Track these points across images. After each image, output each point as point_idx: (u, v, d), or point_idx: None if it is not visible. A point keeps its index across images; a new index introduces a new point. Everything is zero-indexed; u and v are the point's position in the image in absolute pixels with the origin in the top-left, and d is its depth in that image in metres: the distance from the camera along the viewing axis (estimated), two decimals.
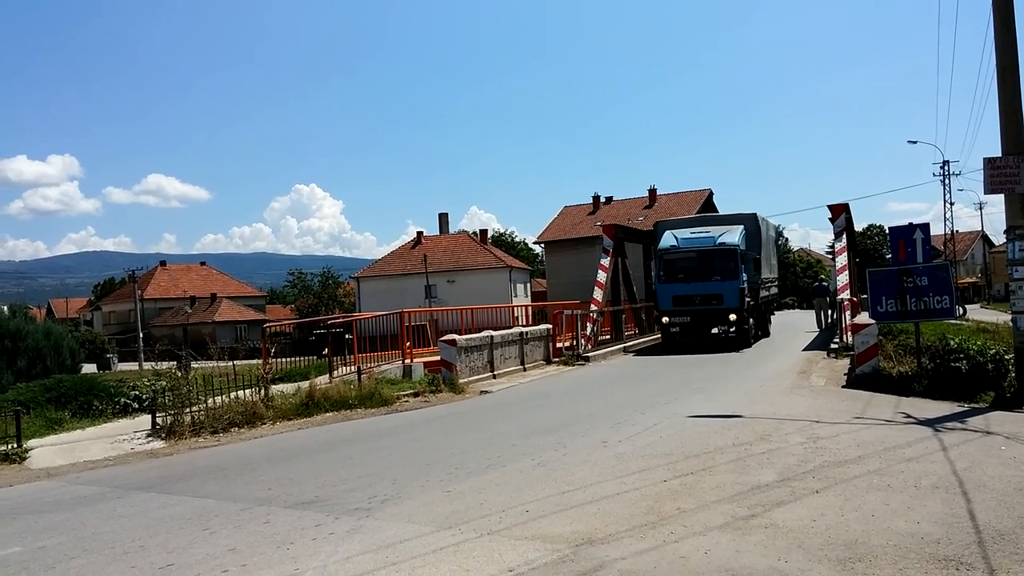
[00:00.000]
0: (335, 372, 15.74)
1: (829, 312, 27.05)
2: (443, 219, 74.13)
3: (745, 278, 21.78)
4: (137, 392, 14.02)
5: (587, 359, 20.74)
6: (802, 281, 76.37)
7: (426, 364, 16.92)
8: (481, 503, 6.49)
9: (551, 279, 59.31)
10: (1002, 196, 10.71)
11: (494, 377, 17.58)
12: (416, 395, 14.68)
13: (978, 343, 11.90)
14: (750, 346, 21.79)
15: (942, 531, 5.11)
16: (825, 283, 30.36)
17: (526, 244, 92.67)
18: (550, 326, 21.78)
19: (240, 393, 12.89)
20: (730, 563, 4.71)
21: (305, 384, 13.91)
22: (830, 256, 68.76)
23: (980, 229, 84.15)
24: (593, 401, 13.02)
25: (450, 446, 9.54)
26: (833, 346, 18.92)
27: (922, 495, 5.99)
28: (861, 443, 8.02)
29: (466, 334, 18.10)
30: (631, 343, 24.26)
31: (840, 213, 23.63)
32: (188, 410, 11.89)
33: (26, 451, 10.54)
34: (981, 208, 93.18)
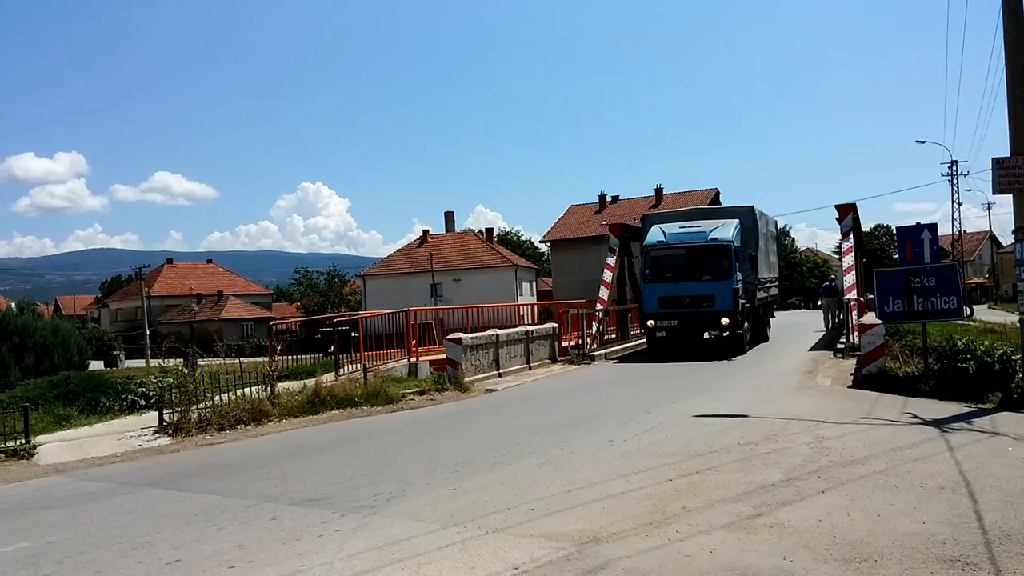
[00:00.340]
0: (341, 370, 15.77)
1: (837, 312, 26.90)
2: (449, 218, 74.16)
3: (739, 277, 19.74)
4: (144, 389, 14.08)
5: (592, 358, 20.75)
6: (809, 281, 76.25)
7: (432, 362, 16.94)
8: (487, 501, 6.50)
9: (557, 278, 59.28)
10: (1010, 196, 10.67)
11: (499, 376, 17.60)
12: (422, 393, 14.70)
13: (985, 344, 11.86)
14: (744, 352, 19.88)
15: (948, 532, 5.10)
16: (834, 283, 30.28)
17: (532, 243, 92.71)
18: (556, 325, 21.79)
19: (246, 391, 12.93)
20: (735, 562, 4.71)
21: (311, 382, 13.94)
22: (837, 256, 68.60)
23: (988, 229, 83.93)
24: (598, 400, 13.02)
25: (456, 444, 9.57)
26: (839, 346, 18.88)
27: (928, 495, 5.98)
28: (867, 443, 8.01)
29: (472, 333, 18.11)
30: (637, 342, 24.24)
31: (847, 213, 23.57)
32: (195, 407, 11.93)
33: (34, 447, 10.60)
34: (989, 208, 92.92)
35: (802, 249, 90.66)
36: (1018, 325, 11.01)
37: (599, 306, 23.22)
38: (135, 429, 11.90)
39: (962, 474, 6.59)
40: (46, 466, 9.90)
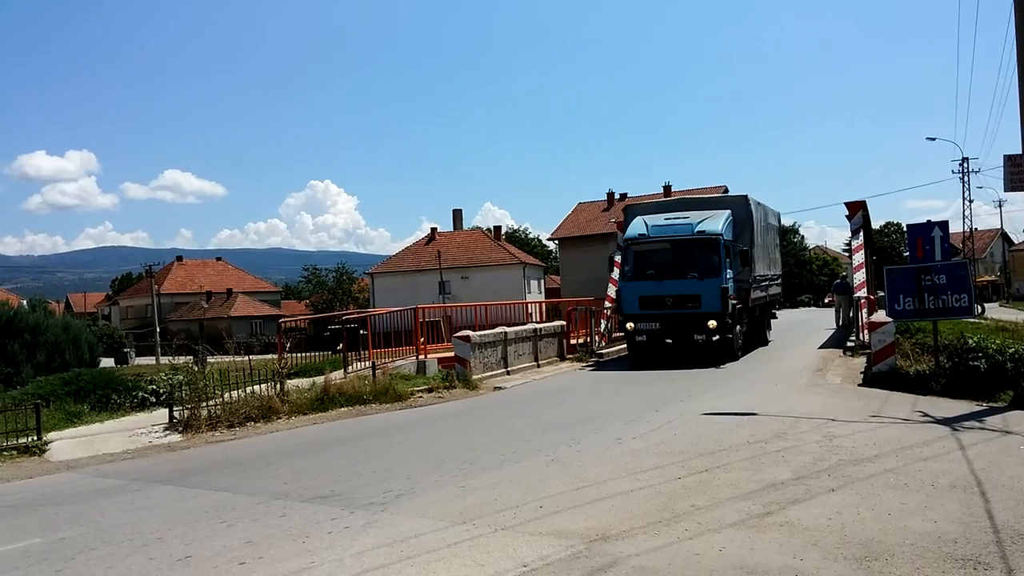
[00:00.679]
0: (350, 367, 15.81)
1: (848, 310, 26.74)
2: (457, 215, 74.21)
3: (730, 275, 17.88)
4: (155, 386, 14.14)
5: (601, 356, 20.73)
6: (818, 279, 76.01)
7: (440, 360, 16.96)
8: (495, 499, 6.51)
9: (565, 276, 59.27)
10: (1022, 194, 10.60)
11: (508, 373, 17.61)
12: (430, 391, 14.73)
13: (997, 342, 11.80)
14: (737, 359, 17.80)
15: (959, 531, 5.08)
16: (846, 280, 30.11)
17: (540, 241, 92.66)
18: (564, 323, 21.78)
19: (256, 388, 12.98)
20: (745, 560, 4.70)
21: (320, 379, 13.98)
22: (847, 254, 68.38)
23: (999, 227, 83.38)
24: (607, 398, 13.02)
25: (464, 442, 9.57)
26: (850, 344, 18.80)
27: (939, 494, 5.95)
28: (878, 442, 7.98)
29: (480, 330, 18.12)
30: None
31: (857, 210, 23.45)
32: (205, 404, 11.98)
33: (46, 444, 10.66)
34: (1001, 206, 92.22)
35: (811, 247, 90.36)
36: None
37: (607, 304, 23.18)
38: (146, 426, 11.96)
39: (973, 473, 6.56)
40: (58, 463, 9.95)
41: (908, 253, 12.77)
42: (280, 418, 12.33)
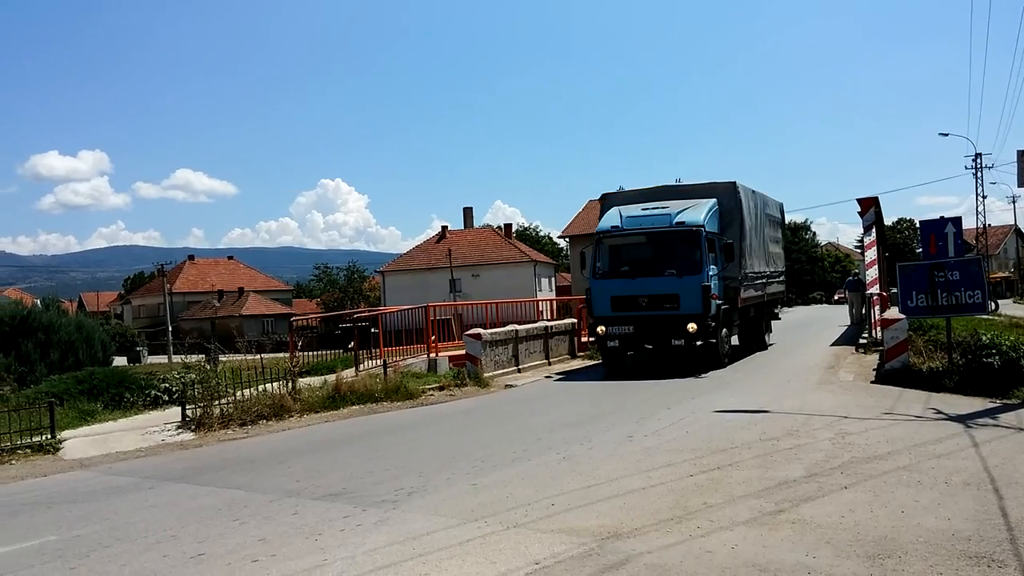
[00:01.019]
0: (361, 366, 15.84)
1: (860, 306, 26.62)
2: (467, 213, 74.23)
3: (714, 271, 15.85)
4: (167, 385, 14.21)
5: None
6: (830, 276, 75.70)
7: (451, 358, 16.98)
8: (507, 496, 6.51)
9: (575, 273, 59.23)
10: None
11: (519, 371, 17.61)
12: (441, 389, 14.74)
13: (1011, 338, 11.72)
14: (723, 365, 15.89)
15: (973, 528, 5.05)
16: (858, 277, 29.96)
17: (550, 238, 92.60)
18: (575, 320, 21.76)
19: (268, 386, 13.03)
20: (757, 558, 4.69)
21: (332, 377, 14.02)
22: (859, 250, 68.06)
23: (1013, 223, 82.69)
24: (618, 395, 12.99)
25: (475, 440, 9.59)
26: (862, 341, 18.72)
27: (953, 492, 5.92)
28: (890, 439, 7.94)
29: (491, 328, 18.13)
30: None
31: (869, 207, 23.33)
32: (217, 403, 12.04)
33: (60, 442, 10.73)
34: (1014, 202, 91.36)
35: (823, 244, 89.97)
36: None
37: None
38: (158, 424, 12.03)
39: (987, 470, 6.52)
40: (71, 461, 10.02)
41: (921, 249, 12.71)
42: (292, 416, 12.38)
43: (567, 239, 64.32)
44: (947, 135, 58.13)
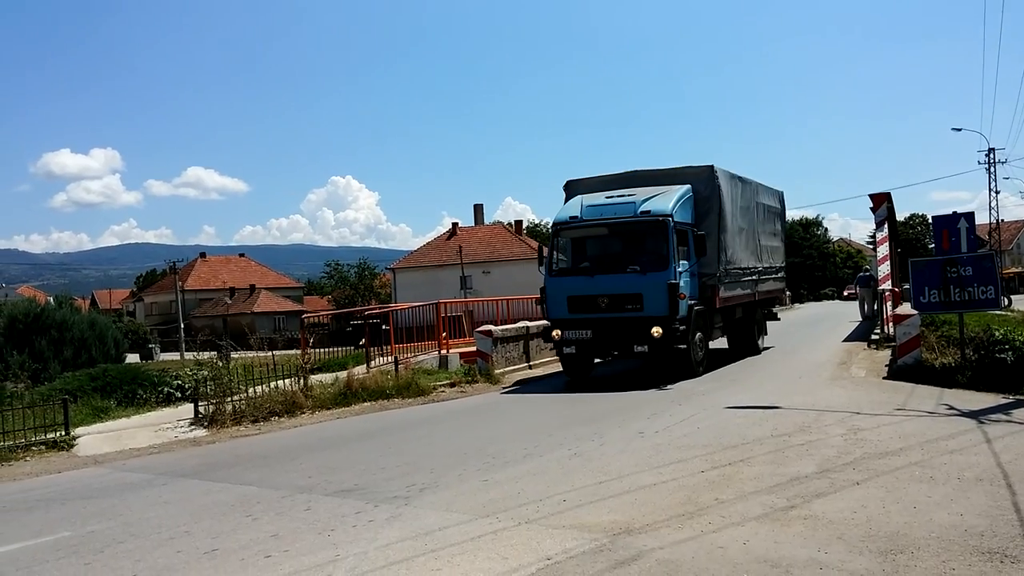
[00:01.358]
0: (372, 362, 15.89)
1: (872, 302, 26.49)
2: (478, 210, 74.23)
3: (685, 267, 14.05)
4: (180, 382, 14.30)
5: None
6: (842, 272, 75.38)
7: (462, 355, 17.00)
8: (518, 492, 6.52)
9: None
10: None
11: (530, 368, 17.62)
12: (452, 385, 14.77)
13: None
14: (698, 374, 14.09)
15: (986, 524, 5.03)
16: (869, 273, 29.83)
17: None
18: None
19: (280, 383, 13.08)
20: (769, 554, 4.69)
21: (343, 374, 14.07)
22: (871, 246, 67.70)
23: None
24: (629, 391, 12.98)
25: (486, 436, 9.60)
26: (874, 337, 18.63)
27: (965, 487, 5.89)
28: (903, 435, 7.91)
29: (502, 325, 18.14)
30: None
31: (882, 202, 23.20)
32: (229, 399, 12.10)
33: (74, 439, 10.81)
34: None
35: (835, 239, 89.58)
36: None
37: None
38: (171, 421, 12.10)
39: (1000, 466, 6.49)
40: (85, 457, 10.09)
41: (934, 245, 12.64)
42: (304, 413, 12.43)
43: None
44: (960, 130, 57.70)
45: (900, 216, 61.37)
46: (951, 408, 9.41)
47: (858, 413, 9.26)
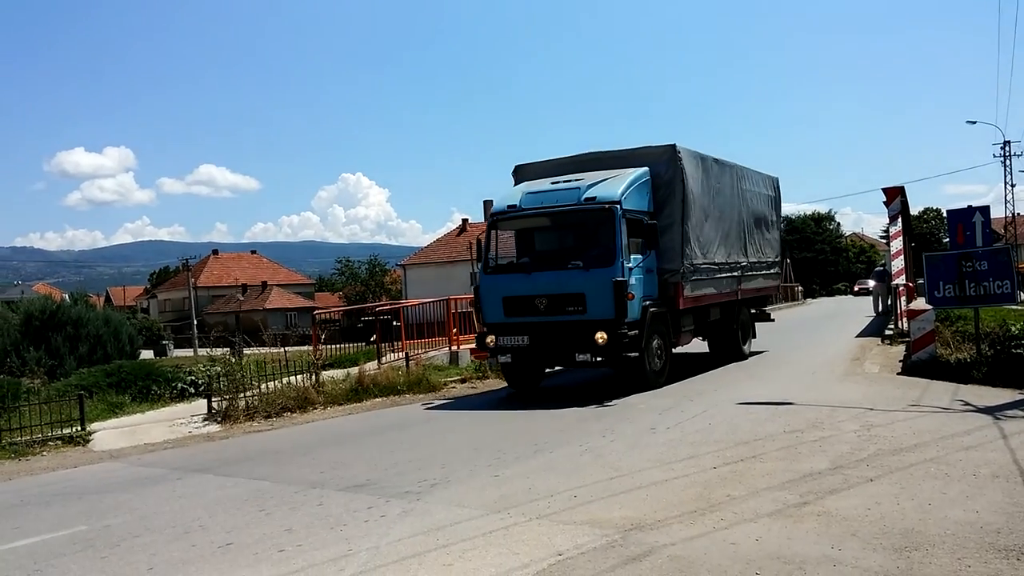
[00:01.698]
0: (383, 358, 15.91)
1: (886, 297, 26.34)
2: (488, 206, 74.07)
3: (637, 262, 12.11)
4: (193, 378, 14.37)
5: None
6: (855, 266, 74.98)
7: (473, 351, 17.00)
8: (529, 488, 6.53)
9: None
10: None
11: None
12: (463, 381, 14.79)
13: None
14: (657, 386, 12.19)
15: (1002, 521, 4.99)
16: (885, 268, 29.67)
17: None
18: None
19: (292, 379, 13.14)
20: (782, 550, 4.67)
21: (354, 370, 14.11)
22: (884, 240, 67.32)
23: None
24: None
25: (497, 431, 9.61)
26: (888, 332, 18.53)
27: (981, 484, 5.85)
28: (917, 431, 7.86)
29: None
30: None
31: (895, 196, 23.05)
32: (242, 395, 12.17)
33: (89, 434, 10.90)
34: None
35: (848, 234, 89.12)
36: None
37: None
38: (185, 416, 12.17)
39: (1016, 462, 6.43)
40: (101, 452, 10.18)
41: (948, 239, 12.54)
42: (316, 408, 12.48)
43: None
44: (975, 123, 57.36)
45: (914, 210, 61.01)
46: (966, 404, 9.34)
47: (872, 409, 9.21)
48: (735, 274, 15.49)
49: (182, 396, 14.08)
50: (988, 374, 11.09)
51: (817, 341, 19.66)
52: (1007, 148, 54.64)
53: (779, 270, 18.69)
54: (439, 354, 16.63)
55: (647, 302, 12.31)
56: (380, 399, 13.18)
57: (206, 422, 11.76)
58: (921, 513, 5.22)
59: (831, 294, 65.19)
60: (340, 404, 12.80)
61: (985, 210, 12.14)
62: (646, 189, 12.85)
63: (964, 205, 12.37)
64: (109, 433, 11.08)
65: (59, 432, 10.72)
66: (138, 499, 7.29)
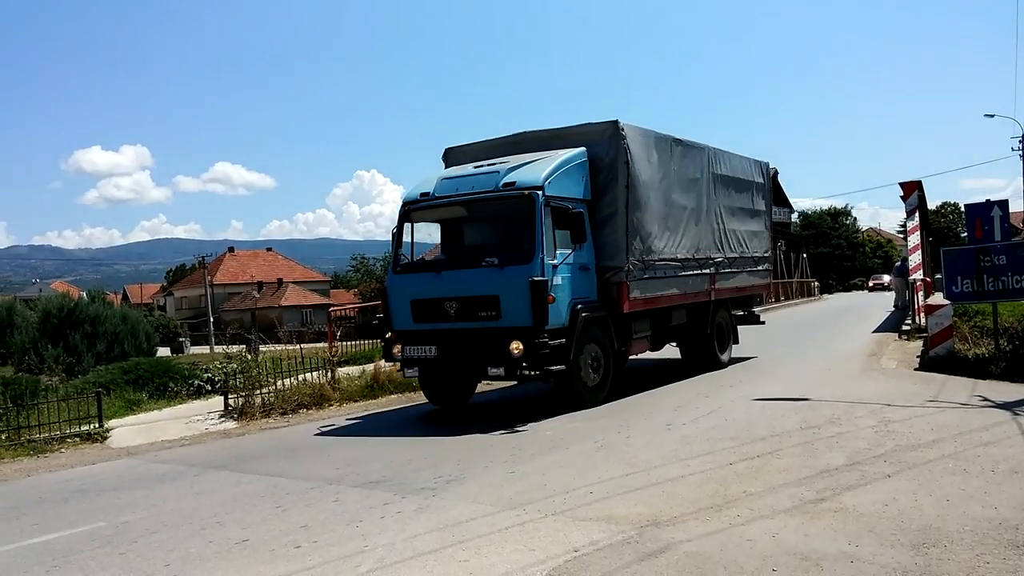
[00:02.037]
0: None
1: (905, 292, 26.15)
2: None
3: (564, 259, 10.27)
4: (210, 375, 14.44)
5: None
6: (872, 261, 74.45)
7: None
8: (544, 484, 6.53)
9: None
10: None
11: None
12: None
13: None
14: (592, 404, 10.53)
15: (1021, 516, 4.94)
16: (906, 263, 29.46)
17: None
18: None
19: (307, 376, 13.19)
20: (799, 547, 4.65)
21: (370, 367, 14.14)
22: (902, 235, 66.75)
23: None
24: (653, 383, 12.91)
25: (512, 427, 9.60)
26: (905, 327, 18.39)
27: (1000, 480, 5.80)
28: (935, 427, 7.80)
29: None
30: None
31: (912, 191, 22.87)
32: (258, 392, 12.22)
33: (107, 431, 10.98)
34: None
35: (865, 229, 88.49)
36: None
37: None
38: (202, 413, 12.25)
39: None
40: (119, 449, 10.26)
41: (966, 234, 12.44)
42: (332, 405, 12.53)
43: None
44: (993, 116, 56.61)
45: (931, 204, 60.55)
46: (985, 399, 9.26)
47: (889, 405, 9.14)
48: (706, 271, 13.51)
49: (199, 393, 14.16)
50: (1007, 369, 10.99)
51: (833, 337, 19.55)
52: None
53: (770, 266, 16.81)
54: None
55: (579, 305, 10.44)
56: (396, 395, 13.22)
57: (223, 419, 11.84)
58: (939, 509, 5.18)
59: (847, 289, 64.77)
60: (356, 401, 12.84)
61: (1004, 204, 12.03)
62: (580, 173, 11.02)
63: (982, 199, 12.28)
64: (126, 430, 11.17)
65: (77, 429, 10.81)
66: (155, 496, 7.35)
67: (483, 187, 10.63)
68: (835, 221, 78.35)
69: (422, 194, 11.20)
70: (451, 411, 11.46)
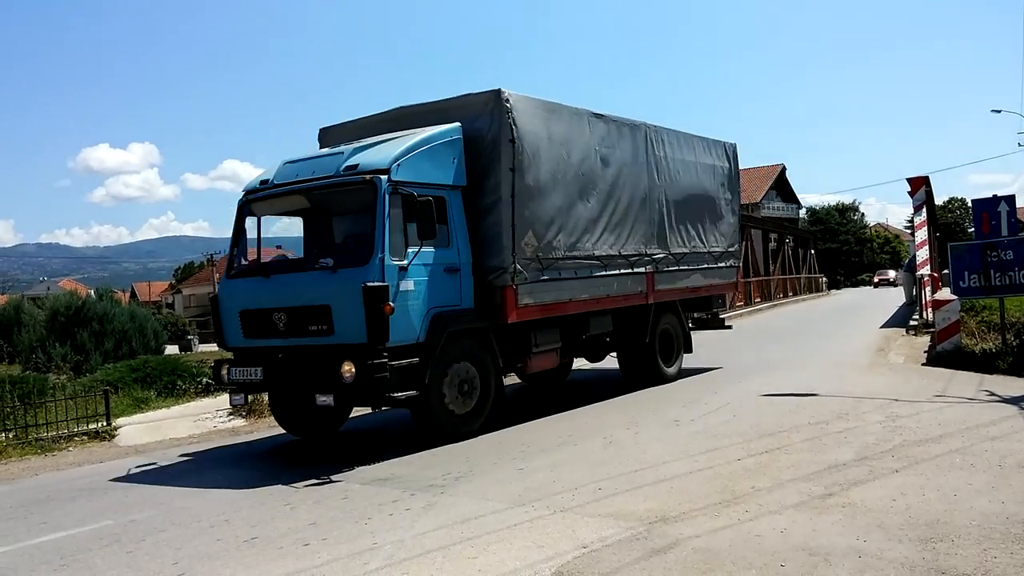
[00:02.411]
0: None
1: (913, 288, 26.09)
2: None
3: (417, 259, 8.31)
4: None
5: None
6: (879, 257, 74.24)
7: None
8: (553, 480, 6.54)
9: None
10: None
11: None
12: None
13: None
14: (461, 436, 8.66)
15: None
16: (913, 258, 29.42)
17: None
18: None
19: None
20: (807, 542, 4.65)
21: None
22: (909, 231, 66.50)
23: None
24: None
25: (520, 424, 9.61)
26: (912, 323, 18.35)
27: (1007, 474, 5.79)
28: (942, 422, 7.78)
29: None
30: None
31: (920, 186, 22.77)
32: None
33: (115, 429, 11.02)
34: None
35: (872, 224, 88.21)
36: None
37: None
38: (210, 411, 12.27)
39: None
40: (127, 447, 10.30)
41: (973, 229, 12.42)
42: None
43: None
44: (999, 111, 56.50)
45: (938, 200, 60.27)
46: (992, 394, 9.24)
47: (897, 400, 9.13)
48: (640, 271, 11.49)
49: (207, 391, 14.19)
50: (1013, 364, 10.98)
51: (840, 332, 19.50)
52: None
53: (734, 263, 14.28)
54: None
55: (442, 315, 8.54)
56: None
57: (231, 417, 11.86)
58: (946, 504, 5.18)
59: (855, 285, 64.61)
60: None
61: (1011, 199, 12.02)
62: (449, 153, 9.08)
63: (989, 194, 12.25)
64: (134, 428, 11.20)
65: (85, 427, 10.84)
66: (163, 494, 7.36)
67: (324, 172, 8.80)
68: (843, 217, 78.12)
69: (261, 182, 9.41)
70: (312, 443, 9.55)
